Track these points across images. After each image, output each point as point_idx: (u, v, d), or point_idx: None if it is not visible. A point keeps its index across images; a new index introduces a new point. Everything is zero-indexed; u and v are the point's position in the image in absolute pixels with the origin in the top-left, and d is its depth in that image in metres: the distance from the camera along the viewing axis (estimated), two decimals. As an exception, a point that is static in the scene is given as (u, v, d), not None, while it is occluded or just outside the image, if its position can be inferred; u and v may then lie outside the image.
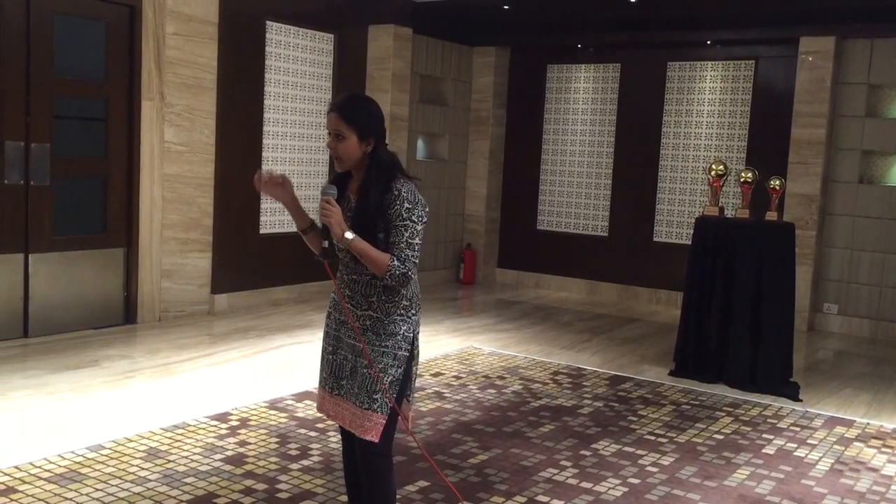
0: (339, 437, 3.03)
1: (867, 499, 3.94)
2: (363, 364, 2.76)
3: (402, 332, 2.78)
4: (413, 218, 2.70)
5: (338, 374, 2.85)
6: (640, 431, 4.71)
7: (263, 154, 7.52)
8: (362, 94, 2.92)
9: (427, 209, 2.76)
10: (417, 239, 2.71)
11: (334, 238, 2.67)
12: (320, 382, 2.94)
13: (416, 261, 2.73)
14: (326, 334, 2.92)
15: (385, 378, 2.74)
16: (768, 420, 5.07)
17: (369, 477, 2.79)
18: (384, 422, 2.74)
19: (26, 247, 5.96)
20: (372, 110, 2.76)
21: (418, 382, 5.41)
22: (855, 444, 4.71)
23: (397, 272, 2.67)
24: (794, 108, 7.91)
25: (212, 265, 7.13)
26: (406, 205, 2.69)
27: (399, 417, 2.83)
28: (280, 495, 3.60)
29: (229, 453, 4.04)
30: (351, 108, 2.74)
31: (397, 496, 3.57)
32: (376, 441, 2.74)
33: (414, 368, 2.89)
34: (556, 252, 9.60)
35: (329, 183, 2.80)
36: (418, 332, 2.86)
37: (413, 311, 2.82)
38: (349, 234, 2.63)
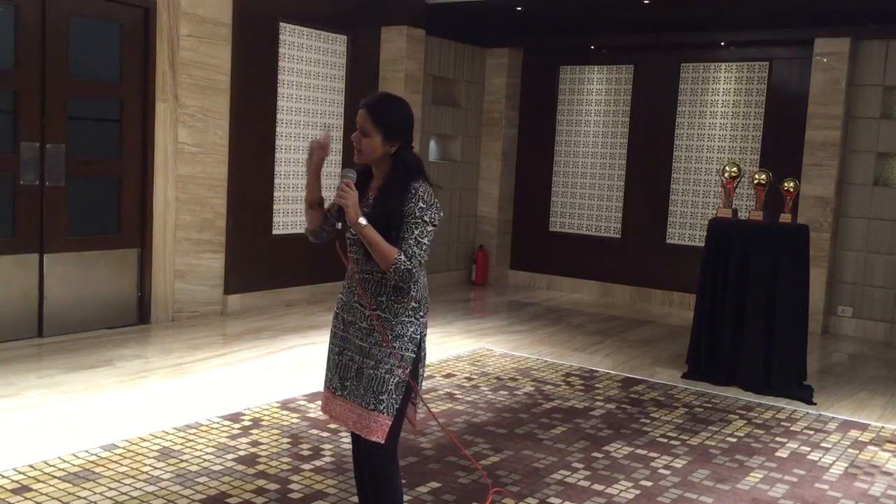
0: (351, 437, 3.04)
1: (881, 503, 3.91)
2: (370, 365, 2.77)
3: (409, 334, 2.79)
4: (425, 217, 2.72)
5: (343, 374, 2.86)
6: (652, 434, 4.70)
7: (276, 155, 7.54)
8: (395, 95, 2.92)
9: (441, 213, 2.79)
10: (426, 239, 2.73)
11: (348, 221, 2.69)
12: (325, 383, 2.95)
13: (423, 260, 2.74)
14: (334, 335, 2.93)
15: (391, 380, 2.75)
16: (782, 423, 5.05)
17: (375, 478, 2.80)
18: (390, 423, 2.75)
19: (41, 247, 6.00)
20: (402, 113, 2.79)
21: (430, 383, 5.42)
22: (869, 447, 4.68)
23: (402, 267, 2.68)
24: (809, 110, 7.87)
25: (225, 266, 7.16)
26: (420, 203, 2.72)
27: (405, 418, 2.84)
28: (292, 495, 3.61)
29: (242, 453, 4.05)
30: (381, 108, 2.77)
31: (409, 497, 3.59)
32: (382, 442, 2.74)
33: (421, 371, 2.89)
34: (569, 254, 9.58)
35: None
36: (426, 335, 2.87)
37: (422, 313, 2.83)
38: (362, 220, 2.67)
